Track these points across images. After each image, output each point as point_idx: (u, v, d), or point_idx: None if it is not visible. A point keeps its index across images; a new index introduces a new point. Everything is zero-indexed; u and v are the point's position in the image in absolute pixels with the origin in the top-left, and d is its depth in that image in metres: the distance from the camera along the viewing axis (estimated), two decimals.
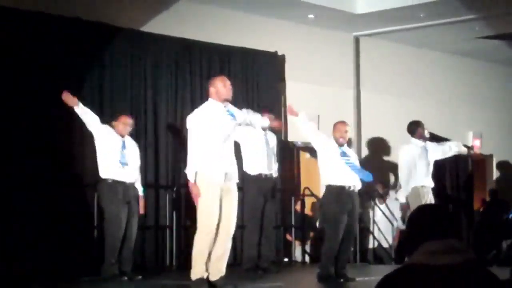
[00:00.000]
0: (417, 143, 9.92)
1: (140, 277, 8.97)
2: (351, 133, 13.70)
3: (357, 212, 9.12)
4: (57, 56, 10.16)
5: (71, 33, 10.31)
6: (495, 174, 16.20)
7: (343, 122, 9.20)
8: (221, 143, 7.63)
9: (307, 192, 12.37)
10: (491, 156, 16.26)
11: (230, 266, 8.13)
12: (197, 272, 7.55)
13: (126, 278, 8.88)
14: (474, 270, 2.87)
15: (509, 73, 16.76)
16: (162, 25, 11.41)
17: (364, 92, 14.13)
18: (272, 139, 10.26)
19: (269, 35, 12.69)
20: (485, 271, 2.91)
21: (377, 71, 14.28)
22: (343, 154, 8.86)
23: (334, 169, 8.74)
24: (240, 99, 12.15)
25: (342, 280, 8.70)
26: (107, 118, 9.49)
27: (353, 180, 8.80)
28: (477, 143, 15.64)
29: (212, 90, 7.91)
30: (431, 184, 9.90)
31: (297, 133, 12.63)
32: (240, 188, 8.77)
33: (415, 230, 3.03)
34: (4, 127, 9.67)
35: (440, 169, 13.30)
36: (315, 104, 13.11)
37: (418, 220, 3.06)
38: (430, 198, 9.71)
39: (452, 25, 13.29)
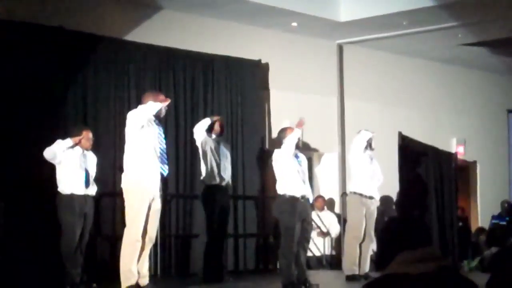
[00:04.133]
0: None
1: (94, 285, 9.06)
2: (336, 141, 13.85)
3: (311, 219, 9.11)
4: (40, 65, 10.14)
5: (54, 42, 10.30)
6: (479, 181, 16.31)
7: (291, 127, 9.14)
8: (152, 152, 7.82)
9: None
10: (474, 162, 16.36)
11: None
12: (125, 279, 7.69)
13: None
14: (450, 277, 2.92)
15: (492, 80, 16.88)
16: (145, 34, 11.41)
17: (347, 99, 14.19)
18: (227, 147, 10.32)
19: (253, 43, 12.73)
20: (461, 277, 2.97)
21: (361, 78, 14.35)
22: (299, 162, 8.89)
23: (290, 178, 8.76)
24: (224, 108, 12.21)
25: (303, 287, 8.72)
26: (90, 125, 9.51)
27: (306, 190, 8.84)
28: (460, 149, 15.74)
29: (146, 101, 7.97)
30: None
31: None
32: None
33: (390, 241, 3.08)
34: None
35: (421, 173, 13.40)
36: (298, 112, 13.12)
37: (392, 232, 3.12)
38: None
39: (435, 32, 13.37)
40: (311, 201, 9.01)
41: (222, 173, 9.86)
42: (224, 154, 10.00)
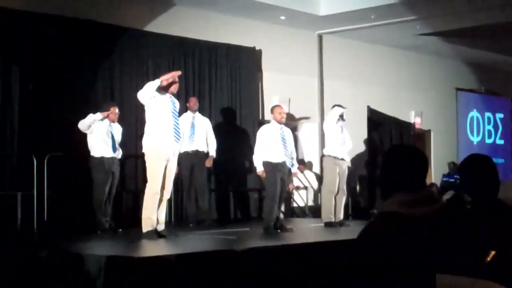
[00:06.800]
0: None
1: (120, 230, 9.10)
2: (316, 113, 13.87)
3: (287, 180, 9.02)
4: (75, 53, 10.11)
5: (86, 33, 10.28)
6: (432, 146, 16.37)
7: (280, 106, 9.17)
8: (167, 124, 7.76)
9: None
10: (429, 131, 16.41)
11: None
12: (146, 224, 7.71)
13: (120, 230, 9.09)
14: (444, 219, 2.59)
15: (444, 63, 16.88)
16: (161, 25, 11.39)
17: (326, 79, 14.20)
18: (203, 121, 10.27)
19: (249, 33, 12.68)
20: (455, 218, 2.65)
21: (337, 62, 14.34)
22: (282, 135, 8.86)
23: (273, 148, 8.78)
24: (225, 86, 12.21)
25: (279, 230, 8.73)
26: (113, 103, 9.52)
27: (285, 156, 8.82)
28: (417, 120, 15.79)
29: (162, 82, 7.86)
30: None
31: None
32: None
33: (392, 177, 2.70)
34: (30, 119, 9.68)
35: (385, 139, 13.44)
36: (286, 90, 13.20)
37: (390, 165, 2.72)
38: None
39: (397, 24, 13.33)
40: (289, 165, 8.99)
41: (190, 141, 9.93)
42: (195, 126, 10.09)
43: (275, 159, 8.75)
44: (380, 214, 2.67)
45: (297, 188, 12.88)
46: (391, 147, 2.93)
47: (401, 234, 2.53)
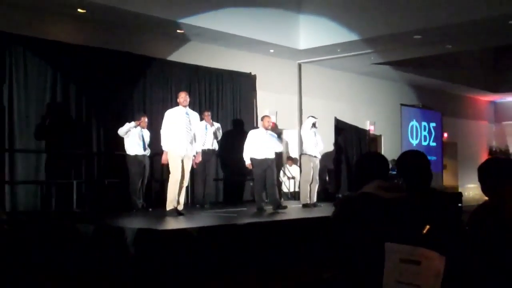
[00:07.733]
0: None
1: (150, 209, 9.08)
2: (296, 122, 13.89)
3: (274, 169, 8.91)
4: (115, 77, 10.10)
5: (124, 61, 10.26)
6: (383, 147, 16.41)
7: (268, 116, 9.16)
8: (181, 131, 7.77)
9: None
10: (380, 136, 16.44)
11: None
12: (169, 205, 7.73)
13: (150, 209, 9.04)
14: (407, 203, 2.63)
15: (391, 85, 16.92)
16: (180, 56, 11.38)
17: (304, 97, 14.22)
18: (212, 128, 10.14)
19: (246, 62, 12.67)
20: (416, 204, 2.65)
21: (312, 84, 14.36)
22: (268, 136, 8.84)
23: (258, 148, 8.75)
24: (229, 103, 12.21)
25: (279, 208, 8.65)
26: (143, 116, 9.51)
27: (269, 154, 8.79)
28: (372, 128, 15.81)
29: (179, 100, 7.97)
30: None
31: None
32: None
33: (366, 170, 2.81)
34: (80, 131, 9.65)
35: (347, 142, 13.45)
36: (274, 105, 13.20)
37: (367, 164, 2.87)
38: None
39: (357, 56, 13.35)
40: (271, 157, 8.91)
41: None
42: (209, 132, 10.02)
43: (260, 156, 8.78)
44: (360, 193, 2.70)
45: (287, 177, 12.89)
46: (365, 153, 3.08)
47: (372, 209, 2.60)
